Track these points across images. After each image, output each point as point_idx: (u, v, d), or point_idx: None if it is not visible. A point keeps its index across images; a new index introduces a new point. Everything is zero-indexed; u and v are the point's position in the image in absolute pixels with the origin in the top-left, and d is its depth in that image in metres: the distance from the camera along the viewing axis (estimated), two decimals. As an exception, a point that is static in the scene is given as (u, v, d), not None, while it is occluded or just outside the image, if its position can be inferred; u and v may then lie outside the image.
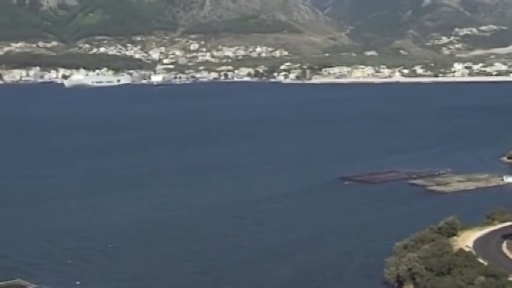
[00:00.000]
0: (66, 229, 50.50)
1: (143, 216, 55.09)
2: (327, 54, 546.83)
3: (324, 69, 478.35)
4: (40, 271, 39.76)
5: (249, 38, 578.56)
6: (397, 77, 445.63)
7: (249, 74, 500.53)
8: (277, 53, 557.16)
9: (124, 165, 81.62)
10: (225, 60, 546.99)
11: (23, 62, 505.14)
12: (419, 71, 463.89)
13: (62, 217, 54.50)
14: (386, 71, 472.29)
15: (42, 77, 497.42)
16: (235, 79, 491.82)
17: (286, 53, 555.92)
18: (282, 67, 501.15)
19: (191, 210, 57.73)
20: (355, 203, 63.59)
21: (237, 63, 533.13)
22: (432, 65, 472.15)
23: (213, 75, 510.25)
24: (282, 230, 52.32)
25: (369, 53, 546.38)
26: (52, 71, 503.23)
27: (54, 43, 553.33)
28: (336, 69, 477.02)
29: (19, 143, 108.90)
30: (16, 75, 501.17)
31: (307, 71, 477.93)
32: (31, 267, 40.79)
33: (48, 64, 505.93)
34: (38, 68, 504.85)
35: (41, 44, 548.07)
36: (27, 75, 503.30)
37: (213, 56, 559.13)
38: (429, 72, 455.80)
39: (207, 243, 48.05)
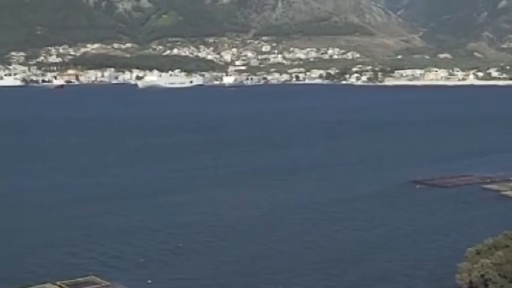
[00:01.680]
0: (141, 227, 51.27)
1: (218, 215, 55.49)
2: (399, 57, 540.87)
3: (396, 72, 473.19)
4: (113, 269, 40.54)
5: (320, 40, 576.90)
6: (471, 80, 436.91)
7: (320, 76, 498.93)
8: (349, 55, 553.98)
9: (201, 165, 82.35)
10: (296, 62, 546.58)
11: (98, 63, 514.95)
12: (494, 73, 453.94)
13: (139, 215, 55.34)
14: (460, 74, 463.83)
15: (116, 77, 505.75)
16: (307, 81, 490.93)
17: (358, 55, 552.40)
18: (354, 69, 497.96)
19: (265, 210, 57.91)
20: (427, 207, 62.76)
21: (309, 65, 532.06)
22: (508, 67, 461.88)
23: (285, 77, 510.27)
24: (352, 233, 52.07)
25: (442, 56, 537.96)
26: (126, 72, 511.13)
27: (128, 45, 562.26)
28: (409, 72, 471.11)
29: (100, 142, 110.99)
30: (92, 76, 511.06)
31: (379, 74, 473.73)
32: (104, 264, 41.58)
33: (122, 65, 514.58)
34: (112, 69, 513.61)
35: (115, 45, 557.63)
36: (102, 76, 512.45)
37: (284, 58, 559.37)
38: (504, 75, 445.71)
39: (279, 244, 48.15)
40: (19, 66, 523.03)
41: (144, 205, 59.23)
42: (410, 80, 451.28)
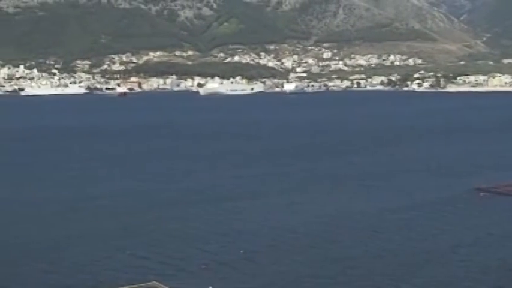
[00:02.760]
0: (206, 232, 51.91)
1: (282, 221, 55.80)
2: (462, 63, 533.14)
3: (459, 78, 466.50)
4: (175, 274, 41.07)
5: (382, 47, 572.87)
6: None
7: (381, 83, 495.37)
8: (411, 61, 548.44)
9: (266, 172, 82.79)
10: (357, 69, 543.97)
11: (160, 70, 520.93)
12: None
13: (205, 221, 56.02)
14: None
15: (178, 85, 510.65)
16: (368, 87, 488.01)
17: (420, 61, 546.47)
18: (416, 75, 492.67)
19: (328, 216, 57.94)
20: (491, 215, 62.03)
21: (370, 71, 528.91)
22: None
23: (346, 83, 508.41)
24: (415, 240, 51.83)
25: (506, 61, 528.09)
26: (188, 79, 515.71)
27: (190, 52, 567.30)
28: (472, 78, 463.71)
29: (167, 148, 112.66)
30: (154, 83, 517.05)
31: (442, 80, 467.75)
32: (167, 269, 42.18)
33: (184, 73, 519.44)
34: (174, 77, 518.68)
35: (177, 53, 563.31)
36: (164, 83, 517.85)
37: (345, 65, 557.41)
38: None
39: (342, 250, 48.27)
40: (84, 74, 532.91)
41: (211, 210, 59.92)
42: (473, 86, 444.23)
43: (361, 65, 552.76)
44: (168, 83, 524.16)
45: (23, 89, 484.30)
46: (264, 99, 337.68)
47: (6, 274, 40.59)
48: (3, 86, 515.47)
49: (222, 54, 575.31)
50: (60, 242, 48.23)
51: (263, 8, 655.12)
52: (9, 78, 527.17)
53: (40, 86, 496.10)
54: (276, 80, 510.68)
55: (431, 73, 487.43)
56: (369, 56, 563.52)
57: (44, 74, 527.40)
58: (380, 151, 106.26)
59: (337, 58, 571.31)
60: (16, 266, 42.01)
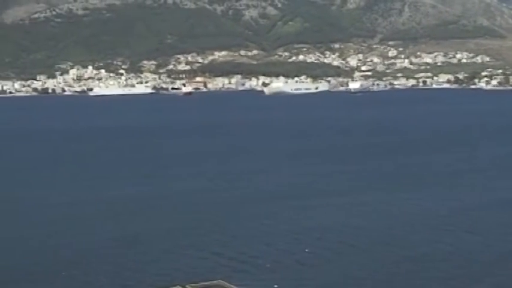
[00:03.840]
0: (277, 231, 51.78)
1: (350, 221, 55.26)
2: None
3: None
4: (241, 273, 41.02)
5: (448, 44, 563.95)
6: None
7: (448, 81, 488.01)
8: (479, 59, 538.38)
9: (335, 170, 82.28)
10: (423, 67, 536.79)
11: (225, 70, 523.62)
12: None
13: (278, 218, 55.94)
14: None
15: (243, 84, 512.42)
16: (434, 86, 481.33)
17: (487, 58, 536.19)
18: (484, 73, 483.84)
19: (398, 217, 57.00)
20: None
21: (436, 69, 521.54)
22: None
23: (411, 82, 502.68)
24: (491, 240, 50.60)
25: None
26: (253, 78, 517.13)
27: (255, 51, 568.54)
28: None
29: (242, 145, 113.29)
30: (219, 83, 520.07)
31: (511, 77, 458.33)
32: (234, 268, 42.19)
33: (249, 72, 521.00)
34: (239, 76, 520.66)
35: (242, 52, 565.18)
36: (229, 83, 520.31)
37: (411, 63, 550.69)
38: None
39: (410, 251, 47.53)
40: (150, 74, 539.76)
41: (280, 208, 59.78)
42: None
43: (427, 63, 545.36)
44: (233, 82, 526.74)
45: (91, 89, 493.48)
46: (329, 98, 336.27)
47: (78, 270, 41.29)
48: (73, 87, 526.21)
49: (286, 54, 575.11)
50: (130, 239, 48.79)
51: (328, 7, 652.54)
52: (78, 78, 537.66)
53: (108, 86, 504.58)
54: (340, 79, 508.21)
55: (500, 70, 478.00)
56: (435, 53, 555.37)
57: (111, 75, 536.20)
58: (451, 149, 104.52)
59: (402, 56, 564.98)
60: (87, 263, 42.72)
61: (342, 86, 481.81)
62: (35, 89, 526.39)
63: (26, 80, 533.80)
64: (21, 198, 64.67)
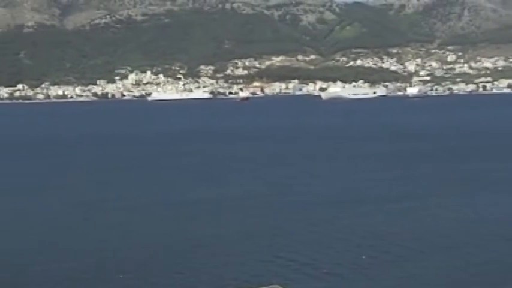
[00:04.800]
0: (333, 236, 51.55)
1: (410, 226, 54.67)
2: None
3: None
4: (297, 278, 40.96)
5: (509, 48, 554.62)
6: None
7: (508, 86, 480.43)
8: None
9: (396, 175, 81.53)
10: (483, 72, 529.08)
11: (282, 75, 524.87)
12: None
13: (340, 224, 55.70)
14: None
15: (300, 89, 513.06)
16: (494, 91, 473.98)
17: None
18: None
19: (465, 222, 56.25)
20: None
21: (497, 74, 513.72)
22: None
23: (471, 87, 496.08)
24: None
25: None
26: (310, 83, 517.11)
27: (312, 56, 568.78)
28: None
29: (309, 150, 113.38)
30: (276, 88, 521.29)
31: None
32: (291, 273, 42.10)
33: (306, 77, 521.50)
34: (296, 81, 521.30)
35: (299, 57, 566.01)
36: (287, 87, 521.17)
37: (471, 68, 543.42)
38: None
39: (475, 257, 46.71)
40: (207, 79, 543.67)
41: (340, 213, 59.51)
42: None
43: (487, 68, 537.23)
44: (290, 87, 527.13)
45: (150, 94, 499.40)
46: (387, 103, 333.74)
47: (135, 274, 41.74)
48: (132, 91, 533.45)
49: (344, 58, 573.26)
50: (190, 243, 49.19)
51: (386, 11, 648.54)
52: (137, 83, 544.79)
53: (166, 91, 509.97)
54: (398, 84, 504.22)
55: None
56: (496, 58, 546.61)
57: (169, 79, 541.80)
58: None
59: (462, 61, 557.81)
60: (149, 267, 43.19)
61: (400, 91, 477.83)
62: (94, 94, 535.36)
63: (86, 85, 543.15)
64: (87, 202, 65.76)
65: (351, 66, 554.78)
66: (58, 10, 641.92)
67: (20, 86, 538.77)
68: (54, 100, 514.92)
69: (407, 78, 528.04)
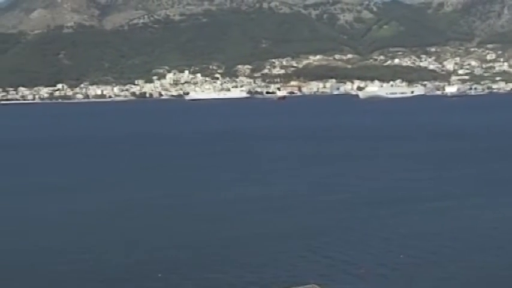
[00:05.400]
0: (372, 235, 51.53)
1: (452, 226, 54.31)
2: None
3: None
4: (334, 277, 40.93)
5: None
6: None
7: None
8: None
9: (437, 175, 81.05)
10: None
11: (320, 74, 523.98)
12: None
13: (371, 223, 55.65)
14: None
15: (337, 88, 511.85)
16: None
17: None
18: None
19: (498, 224, 55.77)
20: None
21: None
22: None
23: (510, 85, 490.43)
24: None
25: None
26: (347, 82, 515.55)
27: (349, 55, 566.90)
28: None
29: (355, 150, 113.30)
30: (313, 87, 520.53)
31: None
32: (330, 272, 42.08)
33: (343, 76, 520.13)
34: (334, 80, 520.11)
35: (337, 56, 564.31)
36: (324, 87, 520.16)
37: (510, 66, 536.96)
38: None
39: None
40: (245, 78, 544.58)
41: (380, 213, 59.34)
42: None
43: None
44: (327, 86, 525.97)
45: (187, 93, 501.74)
46: (425, 102, 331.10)
47: (175, 272, 42.15)
48: (169, 91, 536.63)
49: (382, 57, 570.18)
50: (231, 242, 49.54)
51: (424, 10, 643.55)
52: (175, 83, 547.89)
53: (204, 90, 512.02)
54: (437, 83, 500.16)
55: None
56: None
57: (207, 79, 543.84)
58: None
59: (501, 59, 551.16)
60: (189, 266, 43.56)
61: (438, 90, 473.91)
62: (133, 94, 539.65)
63: (125, 84, 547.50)
64: (130, 201, 66.50)
65: (388, 65, 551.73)
66: (97, 11, 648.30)
67: (59, 86, 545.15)
68: (93, 100, 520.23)
69: (445, 77, 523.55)
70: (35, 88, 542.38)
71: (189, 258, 44.73)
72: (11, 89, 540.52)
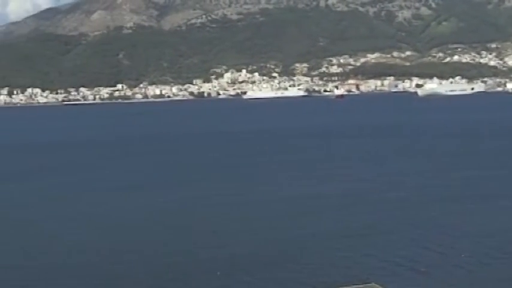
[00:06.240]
0: (432, 234, 51.01)
1: (507, 228, 53.47)
2: None
3: None
4: (394, 276, 40.58)
5: None
6: None
7: None
8: None
9: (495, 173, 79.79)
10: None
11: (378, 72, 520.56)
12: None
13: (430, 221, 55.11)
14: None
15: (396, 86, 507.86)
16: None
17: None
18: None
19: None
20: None
21: None
22: None
23: None
24: None
25: None
26: (406, 80, 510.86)
27: (408, 53, 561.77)
28: None
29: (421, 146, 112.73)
30: (371, 85, 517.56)
31: None
32: (390, 271, 41.78)
33: (401, 74, 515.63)
34: (392, 78, 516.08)
35: (395, 54, 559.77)
36: (382, 85, 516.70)
37: None
38: None
39: None
40: (302, 77, 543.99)
41: (442, 212, 58.72)
42: None
43: None
44: (385, 84, 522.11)
45: (245, 93, 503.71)
46: (486, 99, 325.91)
47: (234, 271, 42.41)
48: (227, 90, 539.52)
49: (440, 54, 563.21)
50: (294, 240, 49.68)
51: (484, 5, 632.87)
52: (233, 82, 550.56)
53: (261, 89, 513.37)
54: (498, 80, 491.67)
55: None
56: None
57: (264, 78, 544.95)
58: None
59: None
60: (252, 264, 43.83)
61: (499, 86, 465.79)
62: (191, 93, 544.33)
63: (183, 84, 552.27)
64: (200, 198, 67.16)
65: (447, 62, 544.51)
66: (155, 11, 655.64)
67: (119, 86, 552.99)
68: (152, 100, 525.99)
69: (507, 73, 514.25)
70: (96, 89, 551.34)
71: (248, 256, 44.97)
72: (72, 89, 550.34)
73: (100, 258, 44.61)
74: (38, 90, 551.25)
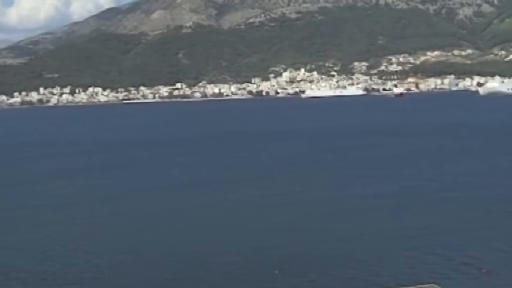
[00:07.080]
0: (495, 233, 50.38)
1: None
2: None
3: None
4: (455, 277, 40.23)
5: None
6: None
7: None
8: None
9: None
10: None
11: (438, 70, 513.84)
12: None
13: (494, 220, 54.42)
14: None
15: (456, 85, 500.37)
16: None
17: None
18: None
19: None
20: None
21: None
22: None
23: None
24: None
25: None
26: (466, 78, 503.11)
27: (469, 51, 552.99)
28: None
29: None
30: (431, 83, 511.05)
31: None
32: (449, 271, 41.48)
33: (462, 72, 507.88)
34: (452, 76, 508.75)
35: (456, 52, 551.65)
36: (442, 83, 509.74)
37: None
38: None
39: None
40: (361, 75, 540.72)
41: (506, 211, 57.91)
42: None
43: None
44: (445, 83, 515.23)
45: (303, 91, 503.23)
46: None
47: (293, 269, 42.62)
48: (286, 89, 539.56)
49: (503, 52, 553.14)
50: (349, 239, 49.66)
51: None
52: (291, 81, 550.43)
53: (319, 88, 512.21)
54: None
55: None
56: None
57: (323, 76, 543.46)
58: None
59: None
60: (305, 264, 43.89)
61: None
62: (250, 92, 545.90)
63: (242, 83, 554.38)
64: (257, 197, 67.61)
65: (510, 60, 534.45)
66: (214, 10, 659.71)
67: (178, 85, 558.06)
68: (211, 98, 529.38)
69: None
70: (155, 87, 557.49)
71: (306, 255, 45.11)
72: (132, 88, 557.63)
73: (158, 256, 45.35)
74: (99, 89, 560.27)
